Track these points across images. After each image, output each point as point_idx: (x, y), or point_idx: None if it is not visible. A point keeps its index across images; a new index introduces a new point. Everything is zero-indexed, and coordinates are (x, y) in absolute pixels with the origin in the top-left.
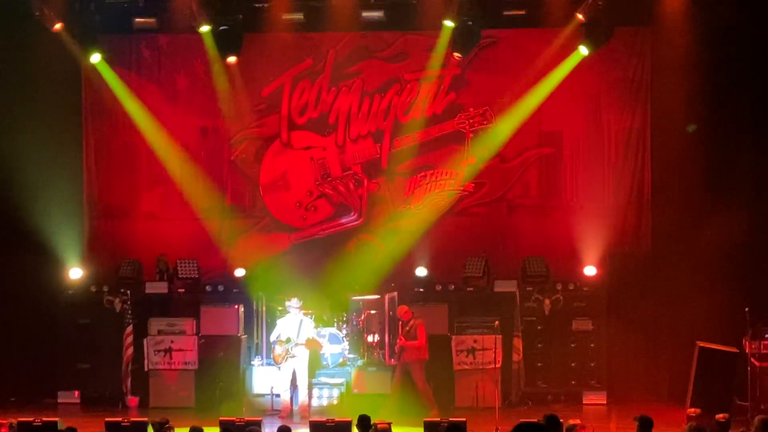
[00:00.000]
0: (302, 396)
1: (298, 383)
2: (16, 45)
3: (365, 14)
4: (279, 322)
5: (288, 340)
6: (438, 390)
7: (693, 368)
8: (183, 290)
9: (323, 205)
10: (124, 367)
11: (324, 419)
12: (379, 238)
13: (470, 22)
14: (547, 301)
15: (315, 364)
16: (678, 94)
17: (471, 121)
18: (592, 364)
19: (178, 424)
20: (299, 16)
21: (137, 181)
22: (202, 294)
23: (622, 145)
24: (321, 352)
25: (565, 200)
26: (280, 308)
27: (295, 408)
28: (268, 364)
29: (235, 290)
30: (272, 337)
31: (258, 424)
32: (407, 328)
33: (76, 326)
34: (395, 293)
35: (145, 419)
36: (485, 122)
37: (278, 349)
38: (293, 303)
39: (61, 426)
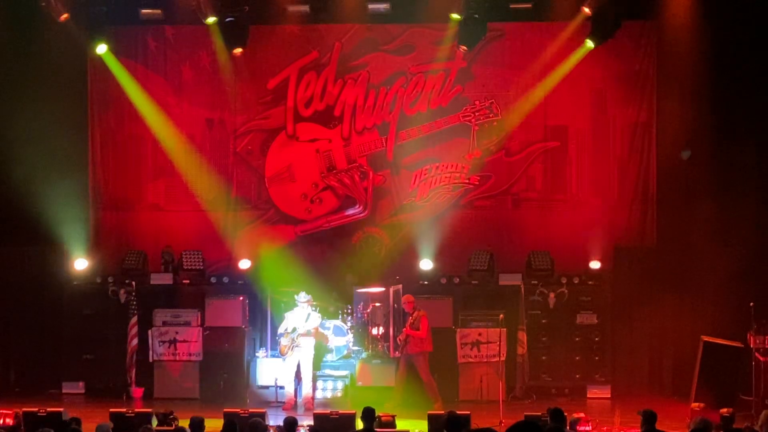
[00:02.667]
0: (306, 388)
1: (302, 375)
2: (23, 35)
3: (371, 6)
4: (287, 315)
5: (293, 330)
6: (442, 383)
7: (697, 363)
8: (188, 282)
9: (328, 198)
10: (129, 358)
11: (328, 411)
12: (385, 230)
13: (476, 15)
14: (551, 295)
15: (320, 357)
16: (684, 88)
17: (477, 114)
18: (596, 358)
19: (183, 416)
20: (305, 8)
21: (143, 172)
22: (207, 285)
23: (627, 139)
24: (327, 344)
25: (570, 194)
26: (285, 300)
27: (299, 400)
28: (273, 356)
29: (240, 282)
30: (280, 330)
31: (262, 415)
32: (411, 320)
33: (81, 317)
34: (400, 286)
35: (150, 410)
36: (491, 115)
37: (284, 341)
38: (301, 297)
39: (65, 416)
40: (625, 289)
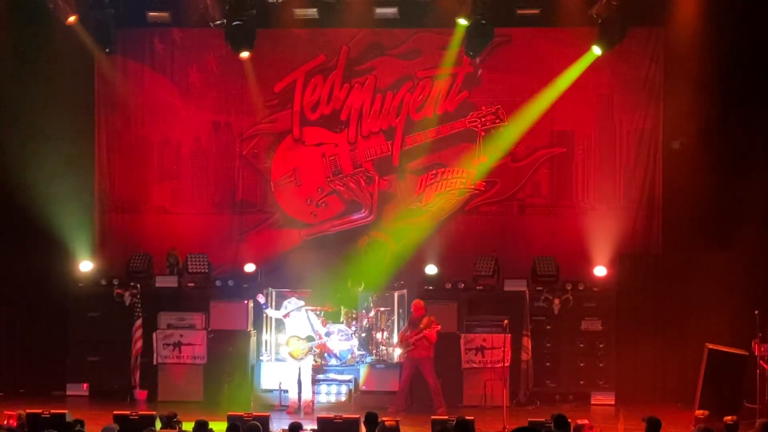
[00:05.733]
0: (306, 392)
1: (302, 379)
2: (30, 38)
3: (379, 11)
4: (287, 322)
5: (309, 339)
6: (446, 388)
7: (702, 370)
8: (193, 284)
9: (334, 202)
10: (133, 360)
11: (332, 416)
12: (390, 235)
13: (483, 21)
14: (556, 301)
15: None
16: (691, 95)
17: (483, 119)
18: (600, 365)
19: (186, 418)
20: (313, 11)
21: (149, 174)
22: (211, 288)
23: (633, 145)
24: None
25: (576, 200)
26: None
27: (300, 404)
28: (277, 359)
29: (245, 285)
30: (277, 314)
31: (266, 419)
32: (423, 325)
33: (86, 319)
34: (405, 291)
35: (153, 413)
36: (497, 121)
37: (300, 345)
38: (293, 302)
39: (69, 418)
40: (630, 295)
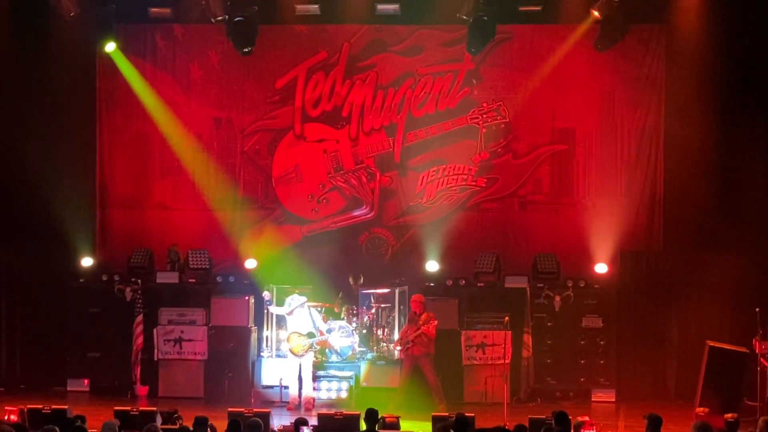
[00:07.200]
0: (307, 389)
1: (302, 376)
2: (32, 33)
3: (380, 7)
4: (288, 318)
5: (310, 335)
6: (446, 385)
7: (702, 367)
8: (194, 280)
9: (335, 198)
10: (134, 356)
11: (332, 412)
12: (391, 231)
13: (485, 18)
14: (557, 298)
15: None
16: (692, 92)
17: (484, 116)
18: (601, 362)
19: (187, 415)
20: (314, 8)
21: (150, 170)
22: (212, 285)
23: (635, 142)
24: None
25: (577, 197)
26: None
27: (301, 400)
28: (278, 356)
29: (246, 282)
30: (281, 311)
31: (266, 416)
32: (421, 321)
33: (87, 315)
34: (406, 287)
35: (154, 409)
36: (499, 117)
37: (302, 341)
38: (295, 299)
39: (70, 414)
40: (631, 293)
